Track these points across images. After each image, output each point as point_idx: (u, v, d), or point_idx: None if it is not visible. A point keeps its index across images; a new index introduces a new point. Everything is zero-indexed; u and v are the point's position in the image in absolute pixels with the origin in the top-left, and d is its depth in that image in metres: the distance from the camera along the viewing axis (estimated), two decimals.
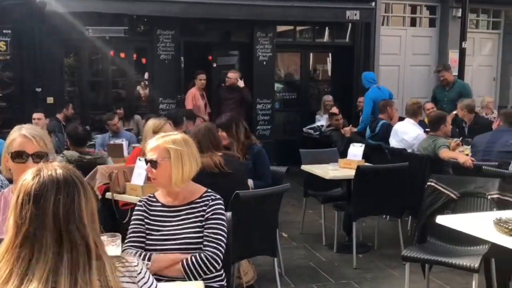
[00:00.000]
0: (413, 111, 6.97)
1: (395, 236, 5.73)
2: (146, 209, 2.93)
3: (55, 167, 1.71)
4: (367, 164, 5.85)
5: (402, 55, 11.78)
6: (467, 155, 5.87)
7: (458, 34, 10.63)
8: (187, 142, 2.91)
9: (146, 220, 2.90)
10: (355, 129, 8.44)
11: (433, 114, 6.65)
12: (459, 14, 10.74)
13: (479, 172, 4.99)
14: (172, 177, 2.82)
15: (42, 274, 1.59)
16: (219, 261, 2.78)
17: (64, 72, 9.72)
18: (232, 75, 9.19)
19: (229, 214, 3.08)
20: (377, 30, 10.99)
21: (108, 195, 4.50)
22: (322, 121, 9.97)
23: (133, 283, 1.77)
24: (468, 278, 3.98)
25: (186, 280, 2.72)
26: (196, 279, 2.72)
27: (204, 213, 2.85)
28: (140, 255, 2.75)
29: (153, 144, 2.89)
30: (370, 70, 10.31)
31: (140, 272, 1.80)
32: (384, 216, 6.76)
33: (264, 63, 10.47)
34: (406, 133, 6.78)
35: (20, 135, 2.67)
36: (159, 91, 9.95)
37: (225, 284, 2.94)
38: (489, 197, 4.00)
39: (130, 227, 2.91)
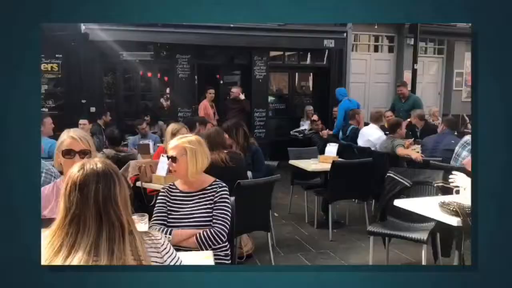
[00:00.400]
0: (376, 118, 6.96)
1: (362, 215, 5.69)
2: (167, 195, 2.86)
3: (96, 162, 1.73)
4: (340, 159, 5.76)
5: (367, 74, 11.93)
6: (418, 152, 5.83)
7: (411, 58, 10.77)
8: (200, 142, 2.86)
9: (167, 203, 2.83)
10: (331, 132, 8.39)
11: (392, 120, 6.54)
12: (412, 42, 10.91)
13: (427, 166, 4.94)
14: (188, 170, 2.77)
15: (86, 246, 1.62)
16: (225, 235, 2.71)
17: (103, 87, 9.87)
18: (235, 90, 9.29)
19: (232, 198, 2.96)
20: (348, 55, 11.21)
21: (138, 184, 4.47)
22: (305, 126, 10.11)
23: (158, 253, 1.79)
24: (419, 248, 3.90)
25: (199, 250, 2.66)
26: (207, 249, 2.67)
27: (213, 198, 2.79)
28: (163, 230, 2.69)
29: (173, 144, 2.84)
30: (342, 86, 10.42)
31: (163, 244, 1.82)
32: (353, 200, 6.67)
33: (260, 80, 10.69)
34: (371, 135, 6.71)
35: (68, 136, 2.62)
36: (177, 102, 10.11)
37: (230, 253, 2.87)
38: (435, 185, 3.98)
39: (155, 209, 2.83)
